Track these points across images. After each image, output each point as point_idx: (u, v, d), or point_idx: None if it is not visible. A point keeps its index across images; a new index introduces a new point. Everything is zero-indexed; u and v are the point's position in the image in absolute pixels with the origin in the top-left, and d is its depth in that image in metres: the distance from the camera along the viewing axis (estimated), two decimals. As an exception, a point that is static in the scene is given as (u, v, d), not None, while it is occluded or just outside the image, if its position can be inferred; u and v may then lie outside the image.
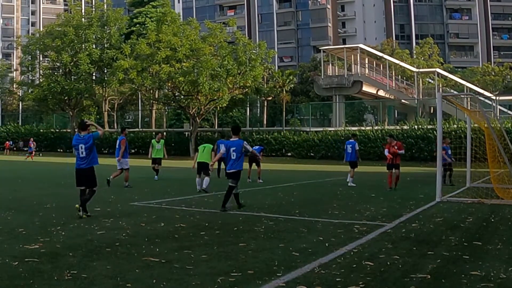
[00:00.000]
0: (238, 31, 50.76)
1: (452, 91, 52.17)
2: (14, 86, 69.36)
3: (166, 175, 22.60)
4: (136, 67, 44.09)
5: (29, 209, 9.52)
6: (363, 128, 43.89)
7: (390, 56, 56.54)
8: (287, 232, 7.39)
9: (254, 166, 18.38)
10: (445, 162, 16.72)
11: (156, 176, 18.09)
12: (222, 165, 20.38)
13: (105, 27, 53.31)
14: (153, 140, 18.75)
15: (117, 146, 15.69)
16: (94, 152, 8.79)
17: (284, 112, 55.20)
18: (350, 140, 16.86)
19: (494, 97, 48.09)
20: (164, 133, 17.83)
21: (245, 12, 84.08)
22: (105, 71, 54.30)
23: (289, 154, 45.06)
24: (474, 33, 75.07)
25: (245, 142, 10.06)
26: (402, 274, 5.01)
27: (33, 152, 40.22)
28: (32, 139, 41.51)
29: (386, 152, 15.07)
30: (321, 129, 46.58)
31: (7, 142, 53.86)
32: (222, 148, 11.67)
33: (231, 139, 10.24)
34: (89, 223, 7.85)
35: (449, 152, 17.42)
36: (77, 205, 8.62)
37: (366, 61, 52.85)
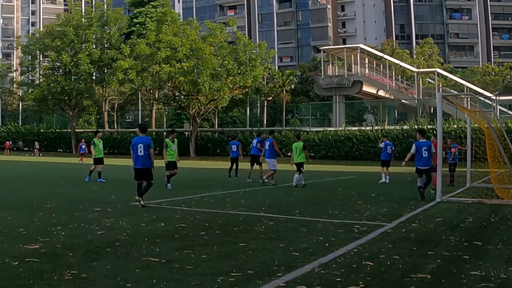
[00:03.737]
0: (238, 31, 50.77)
1: (452, 91, 52.15)
2: (14, 86, 69.36)
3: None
4: (136, 67, 44.09)
5: (29, 209, 9.51)
6: (363, 128, 43.89)
7: (390, 56, 56.57)
8: (287, 232, 7.39)
9: (255, 166, 18.28)
10: (452, 162, 16.86)
11: (169, 185, 14.56)
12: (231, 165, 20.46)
13: (105, 27, 53.29)
14: (167, 140, 15.19)
15: (267, 147, 16.58)
16: (149, 154, 10.13)
17: (284, 112, 55.20)
18: (388, 142, 18.96)
19: (494, 97, 48.10)
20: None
21: (245, 12, 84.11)
22: (105, 71, 54.30)
23: (289, 154, 44.98)
24: (474, 33, 75.10)
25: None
26: (402, 274, 5.01)
27: (85, 152, 34.26)
28: (83, 140, 36.36)
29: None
30: (321, 129, 46.59)
31: (7, 142, 53.89)
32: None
33: (420, 140, 12.15)
34: (89, 223, 7.85)
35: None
36: (136, 197, 10.01)
37: (366, 61, 52.86)
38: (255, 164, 18.08)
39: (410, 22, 76.92)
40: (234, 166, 20.26)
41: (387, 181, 17.97)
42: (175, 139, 15.26)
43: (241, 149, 21.21)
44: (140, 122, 61.85)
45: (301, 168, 15.69)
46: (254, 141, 18.14)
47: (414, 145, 12.25)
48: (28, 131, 58.55)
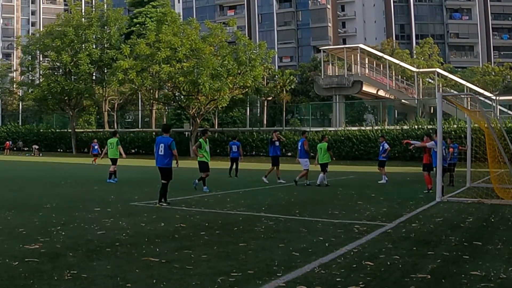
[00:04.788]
0: (238, 31, 50.76)
1: (452, 91, 52.15)
2: (14, 86, 69.36)
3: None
4: (136, 67, 44.08)
5: (29, 209, 9.51)
6: (363, 128, 43.87)
7: (390, 56, 56.53)
8: (287, 232, 7.39)
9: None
10: (451, 162, 16.78)
11: (206, 187, 13.76)
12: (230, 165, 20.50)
13: (105, 27, 53.31)
14: (201, 140, 14.31)
15: (299, 148, 16.79)
16: (170, 154, 10.59)
17: (284, 112, 55.19)
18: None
19: (494, 97, 48.09)
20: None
21: (245, 12, 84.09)
22: (105, 71, 54.31)
23: (289, 154, 45.08)
24: (474, 33, 75.06)
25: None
26: (402, 274, 5.01)
27: (98, 154, 30.48)
28: (95, 140, 34.06)
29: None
30: (321, 129, 46.57)
31: (7, 142, 53.89)
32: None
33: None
34: (89, 223, 7.85)
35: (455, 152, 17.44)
36: (158, 204, 10.35)
37: (366, 61, 52.86)
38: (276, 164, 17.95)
39: (410, 22, 76.88)
40: (234, 166, 20.31)
41: (384, 181, 18.13)
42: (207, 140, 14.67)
43: (242, 149, 21.27)
44: (140, 122, 62.05)
45: (326, 168, 16.29)
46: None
47: (434, 143, 12.80)
48: (28, 131, 58.54)
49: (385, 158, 18.87)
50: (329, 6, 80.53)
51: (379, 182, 18.05)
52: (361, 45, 53.56)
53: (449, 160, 16.91)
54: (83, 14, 56.17)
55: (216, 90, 41.93)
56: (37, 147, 52.08)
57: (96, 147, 32.12)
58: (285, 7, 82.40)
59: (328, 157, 16.40)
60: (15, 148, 55.27)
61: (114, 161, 16.95)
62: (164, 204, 10.42)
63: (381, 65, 53.49)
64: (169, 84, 46.70)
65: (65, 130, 58.10)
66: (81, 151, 54.33)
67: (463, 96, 44.26)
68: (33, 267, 5.03)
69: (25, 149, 55.59)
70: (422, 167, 14.47)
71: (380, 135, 34.11)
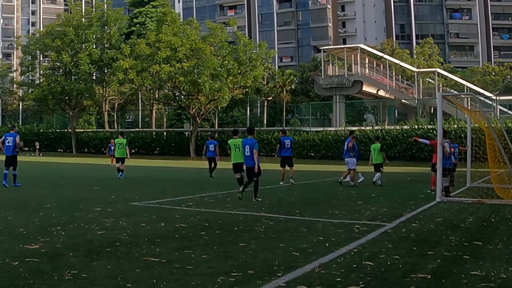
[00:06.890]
0: (239, 31, 50.78)
1: (452, 91, 52.16)
2: (14, 86, 69.34)
3: (167, 175, 22.62)
4: (136, 67, 44.09)
5: (29, 209, 9.51)
6: (363, 128, 43.86)
7: (390, 56, 56.53)
8: (287, 232, 7.39)
9: (286, 167, 17.84)
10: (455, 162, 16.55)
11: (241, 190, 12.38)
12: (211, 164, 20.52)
13: (105, 27, 53.33)
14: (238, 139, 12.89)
15: (345, 148, 16.95)
16: (254, 155, 11.35)
17: (284, 112, 55.19)
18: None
19: (494, 97, 48.09)
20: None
21: (245, 12, 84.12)
22: (105, 71, 54.32)
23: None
24: (474, 33, 75.08)
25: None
26: (402, 274, 5.01)
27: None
28: (112, 141, 31.21)
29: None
30: (321, 129, 46.57)
31: (8, 142, 53.79)
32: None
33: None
34: (89, 223, 7.84)
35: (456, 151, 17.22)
36: (239, 195, 11.35)
37: (366, 61, 52.85)
38: (286, 165, 17.37)
39: (410, 22, 76.90)
40: (212, 165, 20.26)
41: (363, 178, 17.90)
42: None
43: (218, 148, 21.22)
44: (140, 122, 62.04)
45: (380, 168, 16.73)
46: (287, 141, 17.21)
47: (447, 143, 12.80)
48: (28, 131, 58.51)
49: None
50: (329, 6, 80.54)
51: (359, 181, 17.50)
52: (361, 45, 53.56)
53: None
54: (83, 14, 56.20)
55: (216, 90, 41.93)
56: (37, 146, 52.02)
57: (112, 147, 31.41)
58: (285, 7, 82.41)
59: (381, 158, 16.84)
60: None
61: (122, 160, 18.72)
62: (259, 199, 11.24)
63: (381, 65, 53.49)
64: (169, 84, 46.71)
65: (65, 130, 58.12)
66: (81, 151, 54.36)
67: (463, 96, 44.26)
68: (33, 267, 5.02)
69: (25, 149, 55.55)
70: (431, 167, 14.27)
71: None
